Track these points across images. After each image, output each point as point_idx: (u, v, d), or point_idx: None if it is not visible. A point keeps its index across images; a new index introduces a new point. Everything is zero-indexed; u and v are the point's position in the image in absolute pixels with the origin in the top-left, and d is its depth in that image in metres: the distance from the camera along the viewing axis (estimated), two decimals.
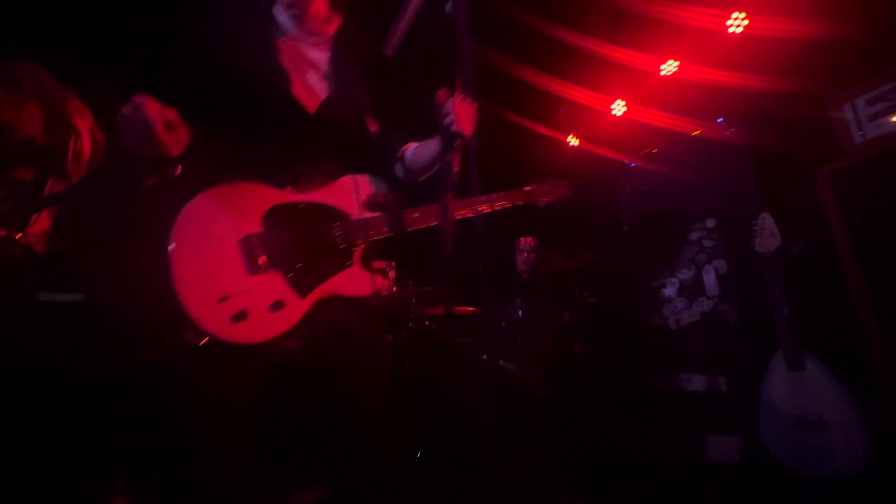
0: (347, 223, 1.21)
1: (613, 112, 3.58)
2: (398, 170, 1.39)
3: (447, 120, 1.13)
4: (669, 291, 2.42)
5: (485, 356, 2.73)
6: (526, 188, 1.52)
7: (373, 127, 1.36)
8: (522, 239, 3.16)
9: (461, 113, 1.13)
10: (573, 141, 3.88)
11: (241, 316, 1.07)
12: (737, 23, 2.75)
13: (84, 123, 1.78)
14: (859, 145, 1.93)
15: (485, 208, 1.36)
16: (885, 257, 1.80)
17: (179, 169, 1.36)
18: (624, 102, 3.53)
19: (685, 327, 2.33)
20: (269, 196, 1.18)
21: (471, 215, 1.32)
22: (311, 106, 1.26)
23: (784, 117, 2.28)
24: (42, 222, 1.75)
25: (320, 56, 1.32)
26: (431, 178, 1.39)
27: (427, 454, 2.37)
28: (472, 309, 3.12)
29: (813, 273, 2.13)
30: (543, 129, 4.06)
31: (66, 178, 1.74)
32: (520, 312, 2.99)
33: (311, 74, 1.30)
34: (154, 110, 1.02)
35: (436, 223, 1.25)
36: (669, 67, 3.16)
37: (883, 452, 1.66)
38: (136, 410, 1.94)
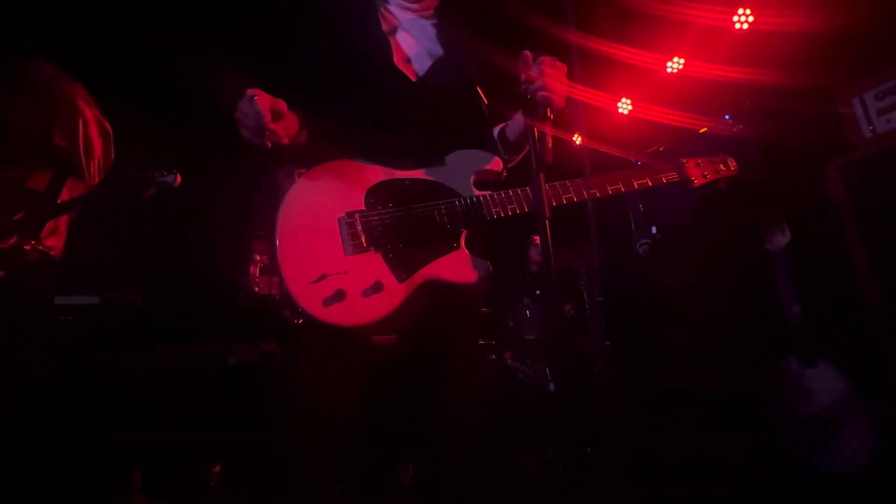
0: (455, 203, 1.12)
1: (620, 110, 3.58)
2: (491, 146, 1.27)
3: (533, 87, 1.02)
4: (679, 288, 2.41)
5: (493, 356, 2.75)
6: (681, 159, 1.31)
7: (484, 98, 1.26)
8: (537, 237, 3.18)
9: (551, 78, 1.02)
10: (577, 139, 3.88)
11: (338, 296, 1.02)
12: (742, 19, 2.74)
13: (91, 113, 1.77)
14: (868, 139, 1.92)
15: (623, 188, 1.20)
16: (894, 251, 1.79)
17: (179, 179, 1.36)
18: (629, 101, 3.53)
19: (694, 324, 2.33)
20: (372, 173, 1.12)
21: (599, 195, 1.18)
22: (413, 76, 1.19)
23: (791, 113, 2.27)
24: (59, 229, 1.78)
25: (424, 23, 1.24)
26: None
27: (434, 452, 2.38)
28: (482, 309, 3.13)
29: (824, 269, 2.12)
30: (547, 127, 4.08)
31: (82, 175, 1.75)
32: (528, 312, 2.99)
33: (414, 43, 1.22)
34: (265, 102, 1.01)
35: (569, 202, 1.13)
36: (675, 65, 3.15)
37: (891, 448, 1.65)
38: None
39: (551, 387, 2.52)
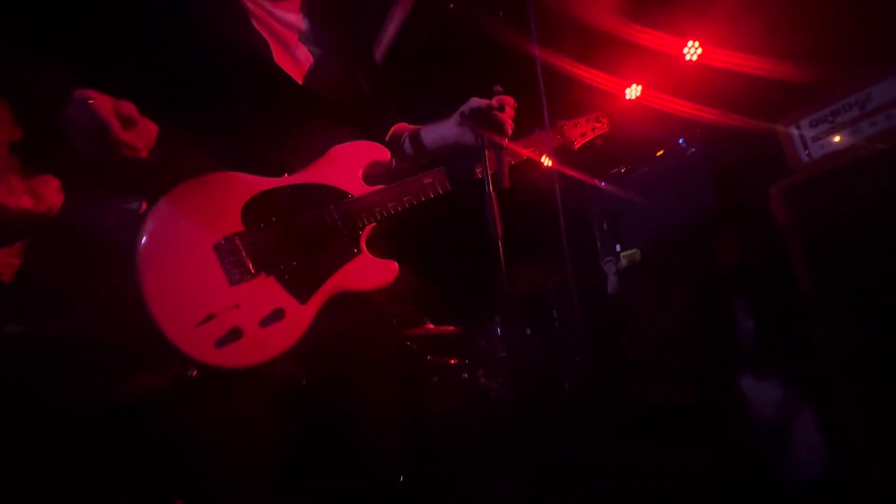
0: (346, 203, 1.02)
1: None
2: (391, 142, 1.23)
3: (500, 118, 1.07)
4: (641, 306, 2.51)
5: (465, 375, 2.77)
6: (559, 122, 1.32)
7: (366, 91, 1.19)
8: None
9: (508, 118, 1.08)
10: (546, 161, 4.01)
11: (233, 335, 0.89)
12: (692, 50, 2.93)
13: None
14: (805, 164, 2.07)
15: (512, 160, 1.20)
16: (836, 268, 1.92)
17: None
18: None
19: (656, 341, 2.42)
20: (246, 185, 0.96)
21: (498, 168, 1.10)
22: (299, 75, 1.07)
23: (739, 137, 2.43)
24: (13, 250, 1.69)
25: (297, 17, 1.13)
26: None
27: (410, 471, 2.37)
28: (451, 328, 3.16)
29: (774, 287, 2.25)
30: (519, 148, 4.22)
31: None
32: (498, 330, 3.04)
33: (291, 39, 1.10)
34: (105, 106, 0.82)
35: (451, 189, 1.10)
36: (633, 91, 3.33)
37: (839, 453, 1.75)
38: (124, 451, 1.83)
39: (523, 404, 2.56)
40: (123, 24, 0.98)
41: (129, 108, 0.85)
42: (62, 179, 0.99)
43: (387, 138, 1.26)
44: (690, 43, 2.93)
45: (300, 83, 1.07)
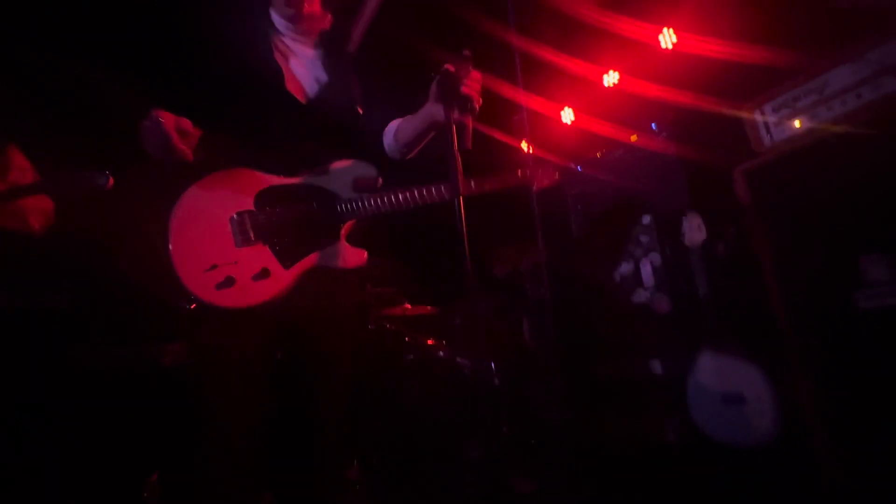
0: (334, 204, 1.29)
1: (563, 120, 3.79)
2: (386, 143, 1.48)
3: (467, 87, 1.17)
4: (611, 285, 2.59)
5: (441, 353, 2.82)
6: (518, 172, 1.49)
7: (361, 111, 1.46)
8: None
9: (477, 83, 1.19)
10: (526, 147, 4.06)
11: (227, 283, 1.17)
12: (667, 38, 2.99)
13: None
14: (767, 147, 2.15)
15: (476, 189, 1.36)
16: (793, 247, 2.02)
17: (111, 181, 1.41)
18: (572, 110, 3.74)
19: (625, 317, 2.50)
20: (262, 179, 1.28)
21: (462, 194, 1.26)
22: (303, 98, 1.37)
23: (708, 123, 2.51)
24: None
25: (311, 52, 1.42)
26: (422, 161, 1.47)
27: (389, 444, 2.42)
28: (429, 308, 3.21)
29: (736, 266, 2.34)
30: (499, 135, 4.25)
31: None
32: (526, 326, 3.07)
33: (303, 69, 1.39)
34: (170, 123, 1.13)
35: (422, 203, 1.32)
36: (611, 78, 3.38)
37: (791, 420, 1.86)
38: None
39: (496, 381, 2.63)
40: (186, 59, 1.35)
41: (186, 123, 1.16)
42: (135, 167, 1.27)
43: (384, 135, 1.47)
44: (665, 30, 2.98)
45: (304, 103, 1.37)
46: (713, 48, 2.67)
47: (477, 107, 1.19)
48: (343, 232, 1.30)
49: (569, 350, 2.74)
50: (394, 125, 1.48)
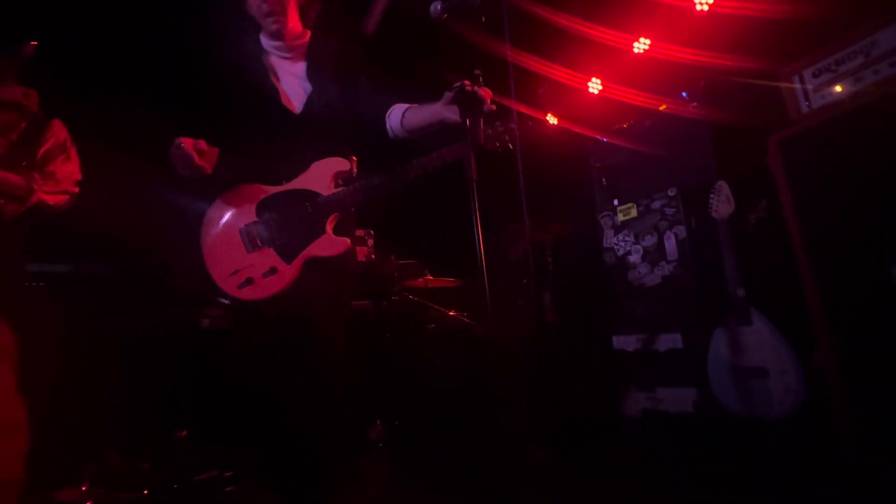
0: (317, 201, 1.51)
1: (590, 90, 3.68)
2: (390, 124, 1.63)
3: (479, 96, 1.35)
4: (634, 258, 2.55)
5: (461, 324, 2.87)
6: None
7: (355, 102, 1.64)
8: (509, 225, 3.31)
9: (486, 95, 1.38)
10: (552, 119, 3.98)
11: (247, 282, 1.49)
12: (702, 1, 2.84)
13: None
14: (805, 114, 2.05)
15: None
16: (826, 220, 1.94)
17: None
18: (599, 81, 3.63)
19: (648, 290, 2.47)
20: (260, 191, 1.55)
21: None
22: (296, 110, 1.58)
23: (741, 90, 2.40)
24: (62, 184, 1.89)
25: (298, 67, 1.63)
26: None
27: (405, 411, 2.51)
28: (451, 280, 3.25)
29: (767, 238, 2.27)
30: (523, 108, 4.17)
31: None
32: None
33: (293, 84, 1.60)
34: (189, 146, 1.41)
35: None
36: (641, 45, 3.25)
37: (817, 394, 1.82)
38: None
39: (516, 353, 2.66)
40: (199, 90, 1.64)
41: (202, 144, 1.45)
42: (171, 181, 1.53)
43: (387, 116, 1.63)
44: None
45: (298, 114, 1.57)
46: (752, 6, 2.52)
47: (486, 112, 1.38)
48: (328, 224, 1.51)
49: (589, 323, 2.74)
50: (398, 110, 1.63)
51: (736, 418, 2.02)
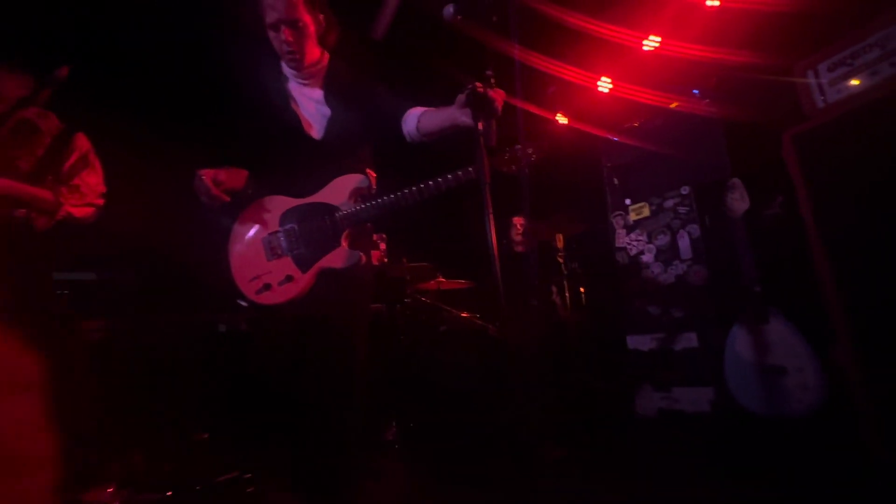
0: (335, 215, 1.58)
1: (600, 89, 3.67)
2: (406, 129, 1.67)
3: (490, 98, 1.36)
4: (647, 257, 2.54)
5: (474, 325, 2.88)
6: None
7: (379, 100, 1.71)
8: (515, 218, 3.33)
9: (497, 96, 1.39)
10: (562, 119, 3.97)
11: (265, 288, 1.59)
12: None
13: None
14: (820, 109, 2.02)
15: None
16: (844, 215, 1.91)
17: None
18: (609, 79, 3.61)
19: (662, 290, 2.46)
20: (284, 203, 1.65)
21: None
22: (317, 135, 1.67)
23: (754, 86, 2.38)
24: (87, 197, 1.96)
25: (317, 92, 1.71)
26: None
27: (420, 412, 2.53)
28: (463, 282, 3.27)
29: (782, 235, 2.25)
30: (533, 108, 4.16)
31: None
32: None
33: (312, 109, 1.69)
34: (208, 178, 1.54)
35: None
36: (651, 43, 3.23)
37: (837, 392, 1.80)
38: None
39: (530, 353, 2.67)
40: (230, 120, 1.76)
41: (221, 175, 1.58)
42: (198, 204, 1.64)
43: (402, 120, 1.68)
44: None
45: (318, 140, 1.66)
46: (762, 0, 2.50)
47: (499, 114, 1.39)
48: (343, 237, 1.58)
49: (603, 322, 2.73)
50: (414, 114, 1.66)
51: (754, 417, 2.00)
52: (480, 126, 1.34)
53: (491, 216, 1.24)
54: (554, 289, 2.94)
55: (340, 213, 1.58)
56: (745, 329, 2.05)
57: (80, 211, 1.99)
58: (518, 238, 3.26)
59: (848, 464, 1.73)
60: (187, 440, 2.26)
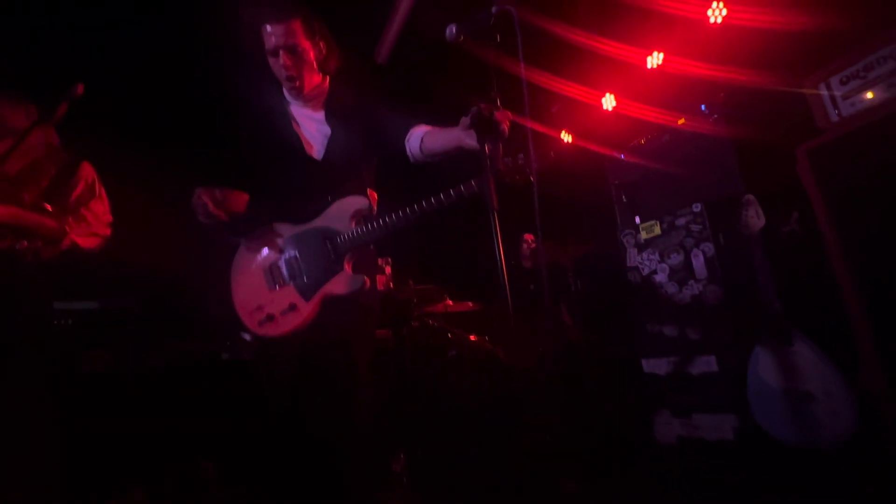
0: (336, 239, 1.54)
1: (604, 107, 3.65)
2: (410, 149, 1.64)
3: (497, 118, 1.32)
4: (661, 277, 2.46)
5: (483, 349, 2.80)
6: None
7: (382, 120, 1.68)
8: (525, 234, 3.29)
9: (503, 118, 1.35)
10: (566, 137, 3.95)
11: (268, 319, 1.53)
12: (717, 13, 2.81)
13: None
14: (835, 123, 1.97)
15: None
16: (864, 230, 1.84)
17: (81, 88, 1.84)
18: (613, 96, 3.59)
19: (677, 311, 2.38)
20: (284, 229, 1.61)
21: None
22: (318, 157, 1.65)
23: (764, 100, 2.33)
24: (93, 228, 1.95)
25: (318, 114, 1.70)
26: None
27: (428, 442, 2.44)
28: (470, 304, 3.20)
29: (800, 252, 2.17)
30: (537, 126, 4.15)
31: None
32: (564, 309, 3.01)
33: (314, 132, 1.68)
34: (207, 196, 1.50)
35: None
36: (655, 59, 3.22)
37: (867, 419, 1.70)
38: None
39: (540, 378, 2.58)
40: (229, 138, 1.76)
41: (218, 193, 1.52)
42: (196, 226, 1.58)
43: (406, 140, 1.64)
44: (714, 5, 2.80)
45: (319, 161, 1.64)
46: (768, 18, 2.48)
47: (506, 136, 1.35)
48: (346, 262, 1.53)
49: (616, 345, 2.64)
50: (418, 133, 1.63)
51: (781, 446, 1.89)
52: (487, 149, 1.29)
53: (500, 245, 1.19)
54: (564, 309, 2.87)
55: (342, 238, 1.53)
56: (768, 352, 1.96)
57: (86, 241, 1.97)
58: (527, 253, 3.22)
59: (884, 495, 1.62)
60: (189, 473, 2.19)
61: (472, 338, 3.02)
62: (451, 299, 3.15)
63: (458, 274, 3.28)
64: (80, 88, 1.91)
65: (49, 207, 1.92)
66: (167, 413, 2.18)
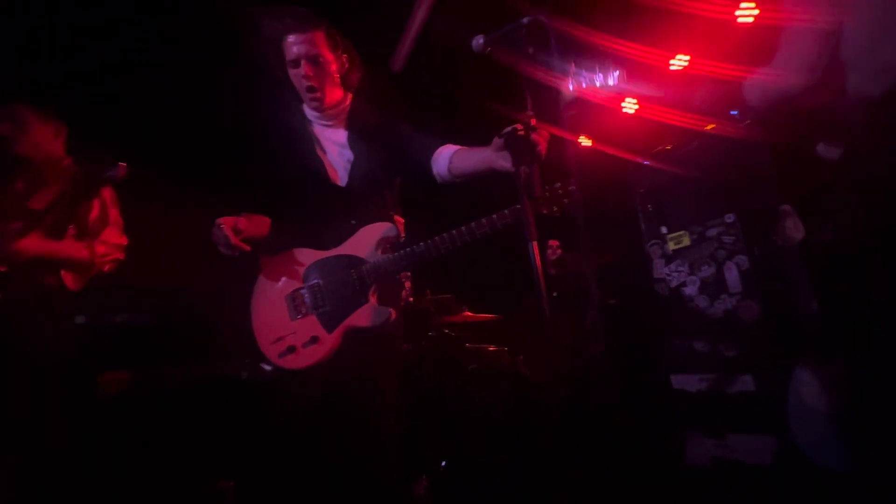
0: (361, 268, 1.48)
1: (625, 110, 3.55)
2: (437, 169, 1.59)
3: (534, 142, 1.25)
4: (690, 290, 2.37)
5: (503, 361, 2.74)
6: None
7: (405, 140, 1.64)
8: (550, 241, 3.26)
9: (541, 139, 1.27)
10: (585, 142, 3.85)
11: (289, 350, 1.48)
12: (746, 12, 2.70)
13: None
14: None
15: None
16: None
17: (123, 169, 1.92)
18: (635, 100, 3.49)
19: (709, 326, 2.28)
20: (308, 256, 1.55)
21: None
22: (341, 182, 1.60)
23: (797, 106, 2.22)
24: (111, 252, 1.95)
25: (341, 134, 1.65)
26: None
27: (450, 458, 2.38)
28: (490, 315, 3.14)
29: (840, 264, 2.06)
30: (555, 130, 4.07)
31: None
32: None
33: (336, 154, 1.63)
34: (228, 226, 1.46)
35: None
36: (679, 62, 3.12)
37: None
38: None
39: (564, 392, 2.50)
40: (251, 162, 1.72)
41: (241, 223, 1.50)
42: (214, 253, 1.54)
43: (432, 160, 1.59)
44: (744, 5, 2.70)
45: (343, 187, 1.59)
46: (804, 17, 2.36)
47: (543, 159, 1.26)
48: (371, 293, 1.47)
49: (642, 358, 2.55)
50: (446, 154, 1.58)
51: (824, 472, 1.79)
52: (522, 174, 1.20)
53: (542, 277, 1.11)
54: (588, 321, 2.79)
55: (367, 266, 1.48)
56: (810, 371, 1.86)
57: (108, 266, 1.99)
58: (553, 259, 3.18)
59: None
60: (209, 494, 2.16)
61: (491, 348, 2.96)
62: (469, 311, 3.10)
63: (478, 283, 3.22)
64: (123, 170, 1.92)
65: (80, 239, 1.92)
66: (186, 433, 2.16)
